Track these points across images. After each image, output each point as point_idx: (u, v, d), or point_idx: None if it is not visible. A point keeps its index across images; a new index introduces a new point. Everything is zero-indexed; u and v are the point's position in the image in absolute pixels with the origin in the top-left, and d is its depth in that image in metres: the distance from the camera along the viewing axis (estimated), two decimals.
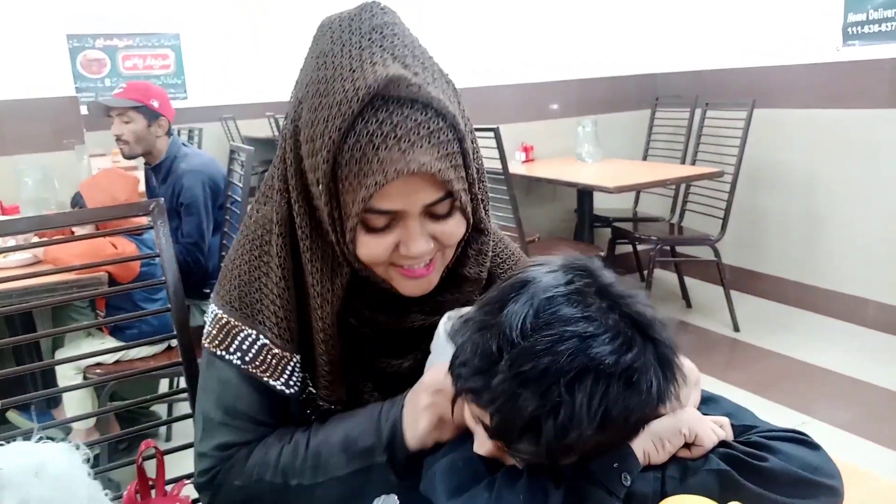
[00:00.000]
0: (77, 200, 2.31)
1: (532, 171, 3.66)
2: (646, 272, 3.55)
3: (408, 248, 0.79)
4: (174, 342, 1.27)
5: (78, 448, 0.81)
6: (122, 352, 2.18)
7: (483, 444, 0.76)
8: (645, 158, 4.16)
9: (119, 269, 2.07)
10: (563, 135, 4.03)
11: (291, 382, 0.86)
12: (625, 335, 0.69)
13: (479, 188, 0.84)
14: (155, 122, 2.63)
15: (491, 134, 2.93)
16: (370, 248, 0.79)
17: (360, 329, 0.87)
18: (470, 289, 0.90)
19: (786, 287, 3.78)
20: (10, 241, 2.00)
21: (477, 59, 3.89)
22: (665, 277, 4.22)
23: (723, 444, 0.79)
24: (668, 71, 4.29)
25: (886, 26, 3.15)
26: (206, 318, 0.91)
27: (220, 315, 0.88)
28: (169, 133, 2.71)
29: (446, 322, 0.88)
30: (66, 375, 2.26)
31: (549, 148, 4.01)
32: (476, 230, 0.88)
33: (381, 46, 0.75)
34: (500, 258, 0.98)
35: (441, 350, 0.86)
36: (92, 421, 2.23)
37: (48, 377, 2.36)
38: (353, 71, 0.73)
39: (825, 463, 0.77)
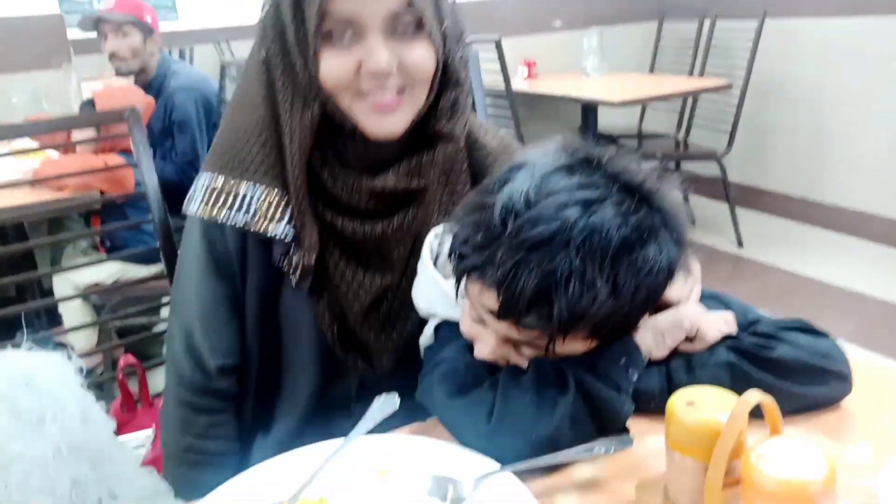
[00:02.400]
0: (86, 108, 2.24)
1: (535, 87, 3.56)
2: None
3: (368, 62, 0.77)
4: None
5: (70, 359, 0.78)
6: (121, 272, 2.16)
7: (485, 346, 0.74)
8: (651, 72, 4.04)
9: (111, 187, 2.02)
10: (567, 49, 3.90)
11: (287, 228, 0.85)
12: (629, 201, 0.67)
13: (451, 32, 0.82)
14: (150, 38, 2.54)
15: (492, 46, 2.82)
16: (333, 67, 0.78)
17: (333, 186, 0.85)
18: (446, 148, 0.87)
19: (791, 203, 3.73)
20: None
21: None
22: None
23: (728, 337, 0.77)
24: None
25: None
26: (195, 192, 0.88)
27: (213, 178, 0.86)
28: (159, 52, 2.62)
29: (432, 240, 0.86)
30: (68, 304, 2.25)
31: (552, 63, 3.88)
32: (448, 83, 0.85)
33: None
34: (489, 150, 0.95)
35: (425, 270, 0.84)
36: (93, 343, 2.23)
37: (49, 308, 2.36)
38: None
39: (833, 349, 0.75)
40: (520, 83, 3.61)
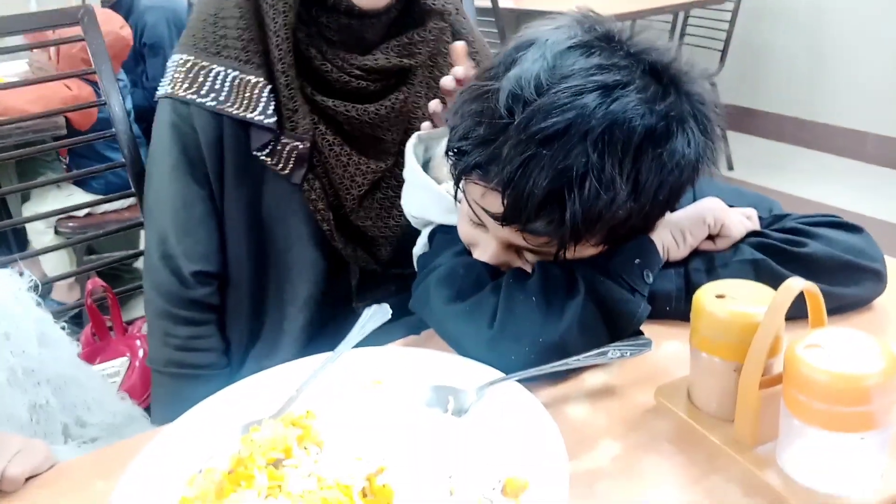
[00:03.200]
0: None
1: (521, 3, 3.41)
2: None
3: None
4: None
5: (21, 275, 0.71)
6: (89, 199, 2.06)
7: (487, 249, 0.67)
8: None
9: (76, 115, 1.90)
10: None
11: (269, 112, 0.80)
12: (656, 85, 0.58)
13: None
14: None
15: None
16: None
17: (321, 65, 0.80)
18: (435, 24, 0.83)
19: (784, 124, 3.66)
20: None
21: None
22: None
23: (755, 233, 0.70)
24: None
25: None
26: (165, 74, 0.84)
27: (185, 59, 0.82)
28: None
29: (416, 144, 0.79)
30: (37, 230, 2.15)
31: None
32: None
33: None
34: (474, 36, 0.93)
35: (414, 176, 0.77)
36: (71, 278, 2.15)
37: (19, 235, 2.25)
38: None
39: (869, 246, 0.68)
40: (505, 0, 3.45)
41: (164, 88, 0.83)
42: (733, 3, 3.18)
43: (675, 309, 0.67)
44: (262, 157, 0.82)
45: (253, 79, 0.79)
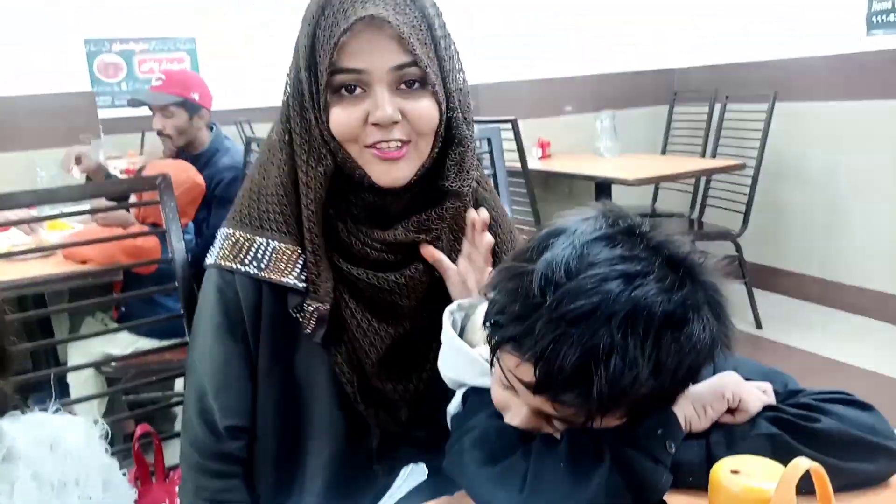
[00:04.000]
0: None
1: (549, 166, 3.62)
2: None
3: (374, 112, 0.81)
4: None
5: (96, 423, 0.77)
6: (136, 346, 2.15)
7: (518, 414, 0.72)
8: (664, 153, 4.10)
9: (131, 257, 2.03)
10: (579, 130, 3.98)
11: (302, 276, 0.88)
12: (673, 276, 0.65)
13: (456, 94, 0.87)
14: (196, 115, 2.56)
15: (508, 126, 2.89)
16: (342, 118, 0.82)
17: (347, 238, 0.88)
18: (453, 204, 0.90)
19: (808, 283, 3.70)
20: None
21: (494, 55, 3.86)
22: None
23: (770, 407, 0.75)
24: (685, 66, 4.24)
25: None
26: (213, 249, 0.93)
27: (231, 233, 0.91)
28: (210, 126, 2.65)
29: (454, 310, 0.87)
30: (79, 374, 2.23)
31: (566, 143, 3.96)
32: (453, 141, 0.89)
33: None
34: (500, 238, 0.99)
35: (451, 340, 0.84)
36: (100, 412, 2.20)
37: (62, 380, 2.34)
38: None
39: (881, 423, 0.72)
40: (535, 162, 3.67)
41: (211, 258, 0.92)
42: (753, 168, 3.34)
43: (697, 479, 0.70)
44: (296, 316, 0.89)
45: (289, 248, 0.88)
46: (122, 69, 6.33)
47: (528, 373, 0.65)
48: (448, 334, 0.84)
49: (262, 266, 0.89)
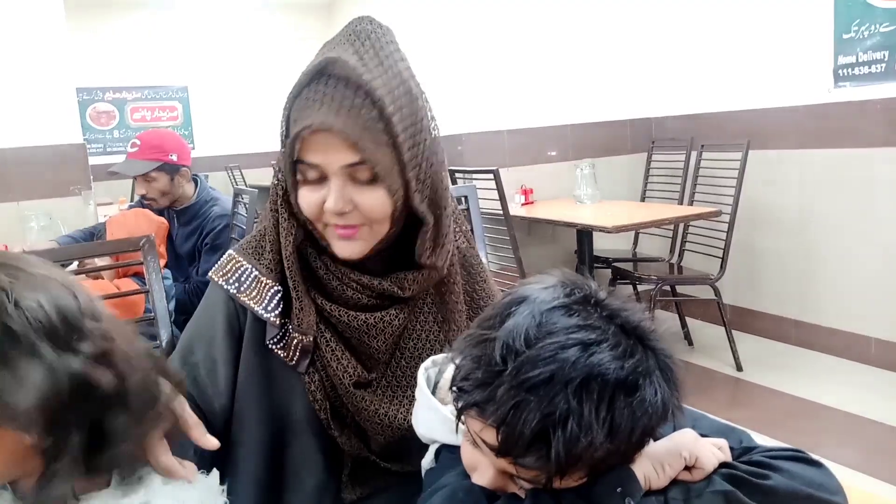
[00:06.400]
0: (97, 232, 2.32)
1: (532, 212, 3.70)
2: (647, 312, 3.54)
3: (327, 202, 0.88)
4: None
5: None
6: None
7: (484, 474, 0.75)
8: (643, 200, 4.20)
9: (122, 311, 2.08)
10: (561, 178, 4.09)
11: (270, 308, 0.96)
12: (626, 343, 0.69)
13: (415, 182, 0.91)
14: (177, 174, 2.61)
15: (490, 176, 2.98)
16: (305, 199, 0.90)
17: (324, 275, 0.96)
18: (429, 274, 0.97)
19: (786, 325, 3.77)
20: None
21: (477, 105, 3.97)
22: (666, 317, 4.22)
23: (724, 464, 0.78)
24: (663, 115, 4.37)
25: (876, 68, 3.22)
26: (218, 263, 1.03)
27: (231, 255, 1.01)
28: (193, 178, 2.70)
29: (429, 367, 0.90)
30: None
31: (547, 191, 4.07)
32: (418, 220, 0.94)
33: (349, 42, 0.89)
34: (479, 295, 1.05)
35: (424, 398, 0.87)
36: None
37: None
38: (317, 57, 0.89)
39: (828, 479, 0.76)
40: (518, 209, 3.76)
41: (212, 271, 1.02)
42: (729, 214, 3.44)
43: None
44: (275, 349, 0.95)
45: (267, 281, 0.96)
46: (115, 117, 6.42)
47: (491, 436, 0.69)
48: (422, 392, 0.87)
49: (242, 289, 0.97)
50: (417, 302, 0.99)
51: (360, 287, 0.94)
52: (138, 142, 2.62)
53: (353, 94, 0.85)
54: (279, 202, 0.94)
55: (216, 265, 1.03)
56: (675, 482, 0.77)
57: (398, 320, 0.96)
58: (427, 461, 0.89)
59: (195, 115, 6.86)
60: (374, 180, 0.88)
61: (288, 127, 0.90)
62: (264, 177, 6.52)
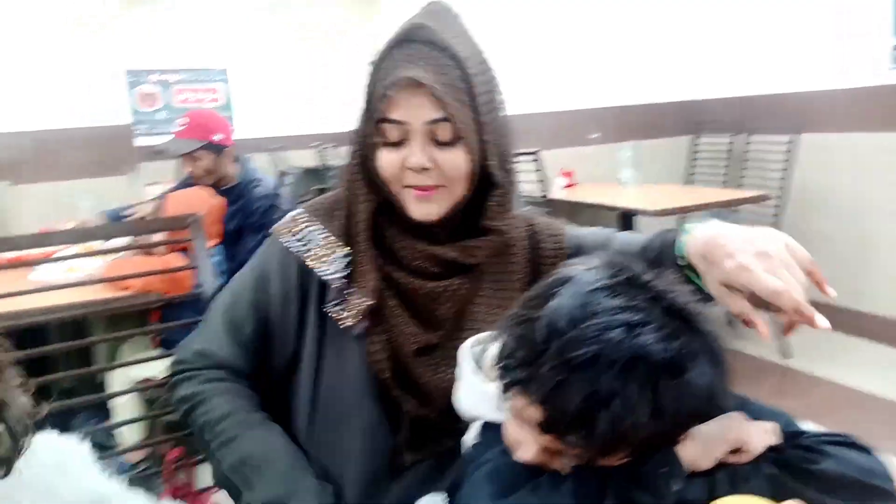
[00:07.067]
0: (158, 205, 2.39)
1: (573, 195, 3.66)
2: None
3: (408, 159, 0.91)
4: None
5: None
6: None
7: (527, 451, 0.76)
8: (687, 184, 4.12)
9: (169, 287, 2.12)
10: (603, 161, 4.03)
11: (335, 271, 0.98)
12: (672, 325, 0.68)
13: (493, 142, 0.95)
14: (221, 155, 2.64)
15: (531, 158, 2.95)
16: (385, 159, 0.93)
17: (393, 244, 0.98)
18: (494, 240, 0.98)
19: (836, 313, 3.63)
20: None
21: (518, 86, 3.93)
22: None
23: (772, 448, 0.77)
24: (709, 97, 4.27)
25: None
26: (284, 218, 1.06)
27: (298, 213, 1.04)
28: (237, 159, 2.73)
29: (473, 344, 0.91)
30: (118, 400, 2.31)
31: (589, 173, 4.01)
32: (491, 185, 0.96)
33: (429, 17, 0.94)
34: (544, 235, 1.05)
35: (466, 374, 0.88)
36: (142, 437, 2.27)
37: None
38: (399, 28, 0.93)
39: (879, 466, 0.75)
40: (559, 192, 3.72)
41: (276, 227, 1.04)
42: (777, 199, 3.35)
43: None
44: (336, 311, 0.97)
45: (335, 244, 0.99)
46: (160, 99, 6.54)
47: (535, 414, 0.69)
48: (465, 369, 0.88)
49: (305, 248, 1.00)
50: (481, 271, 1.00)
51: (428, 256, 0.97)
52: (186, 120, 2.66)
53: (438, 55, 0.89)
54: (356, 169, 0.97)
55: (282, 221, 1.05)
56: (721, 465, 0.76)
57: (463, 289, 0.98)
58: (470, 438, 0.89)
59: (235, 96, 6.93)
60: (454, 140, 0.91)
61: (371, 92, 0.93)
62: (307, 158, 6.60)
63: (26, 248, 1.45)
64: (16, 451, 0.66)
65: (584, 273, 0.73)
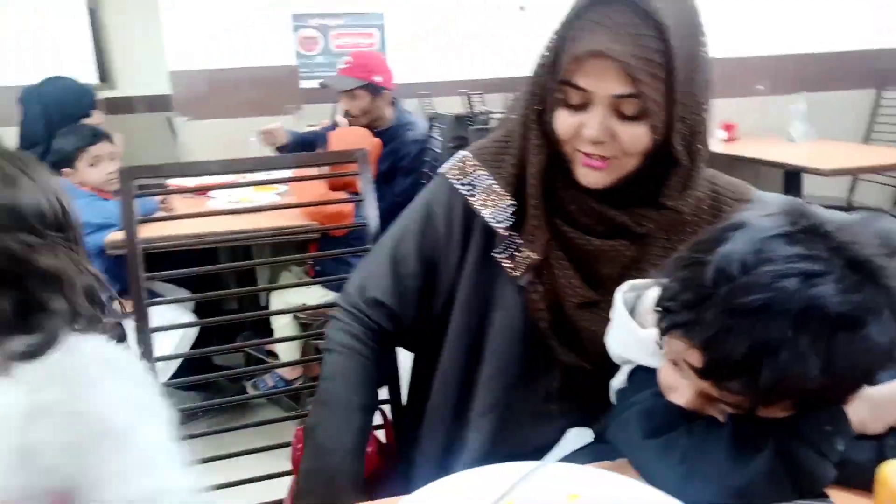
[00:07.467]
0: (320, 141, 2.50)
1: (733, 150, 3.46)
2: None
3: (584, 129, 0.87)
4: None
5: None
6: (327, 297, 2.39)
7: (683, 395, 0.75)
8: (866, 142, 3.76)
9: (329, 221, 2.25)
10: (769, 114, 3.75)
11: (503, 219, 0.99)
12: (853, 278, 0.65)
13: (680, 123, 0.88)
14: (378, 96, 2.74)
15: None
16: (562, 120, 0.90)
17: (563, 197, 0.96)
18: (669, 216, 0.94)
19: None
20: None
21: None
22: None
23: None
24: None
25: None
26: (448, 161, 1.07)
27: (466, 155, 1.04)
28: (393, 102, 2.83)
29: (626, 290, 0.90)
30: (278, 322, 2.54)
31: (754, 126, 3.75)
32: (673, 161, 0.90)
33: None
34: (727, 200, 1.00)
35: (621, 319, 0.87)
36: (297, 356, 2.50)
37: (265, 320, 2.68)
38: None
39: None
40: (718, 144, 3.52)
41: (444, 168, 1.06)
42: None
43: (867, 480, 0.70)
44: (501, 258, 0.98)
45: (503, 192, 0.99)
46: (319, 43, 6.80)
47: (695, 358, 0.68)
48: (619, 313, 0.88)
49: (474, 192, 1.01)
50: (651, 240, 0.97)
51: (597, 216, 0.95)
52: (351, 59, 2.78)
53: (640, 22, 0.82)
54: (532, 121, 0.94)
55: (450, 161, 1.06)
56: (893, 429, 0.73)
57: (630, 251, 0.96)
58: (618, 381, 0.89)
59: (389, 42, 7.07)
60: (639, 116, 0.86)
61: (559, 46, 0.89)
62: (453, 105, 6.65)
63: (215, 173, 1.59)
64: (73, 325, 0.70)
65: (760, 219, 0.70)
